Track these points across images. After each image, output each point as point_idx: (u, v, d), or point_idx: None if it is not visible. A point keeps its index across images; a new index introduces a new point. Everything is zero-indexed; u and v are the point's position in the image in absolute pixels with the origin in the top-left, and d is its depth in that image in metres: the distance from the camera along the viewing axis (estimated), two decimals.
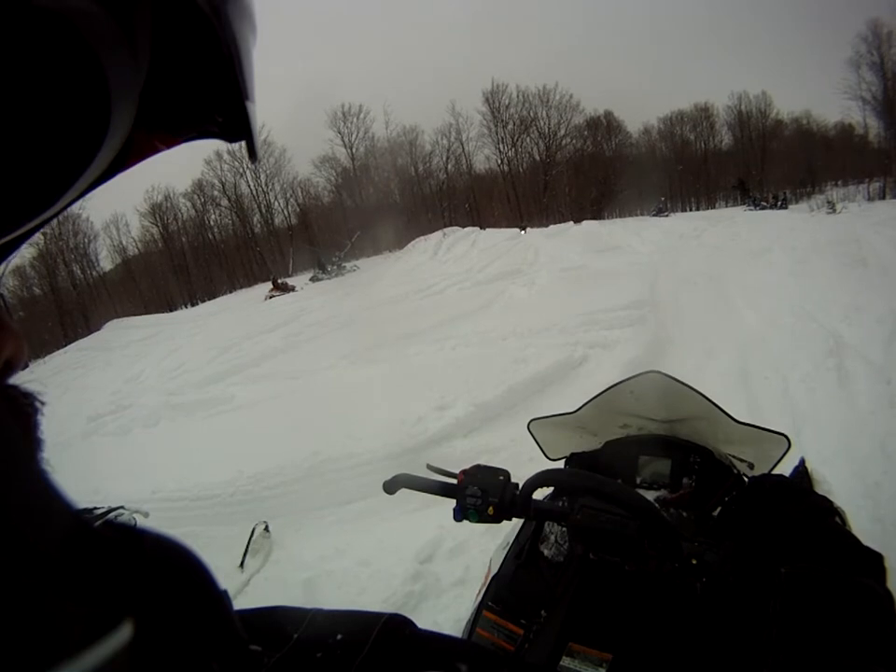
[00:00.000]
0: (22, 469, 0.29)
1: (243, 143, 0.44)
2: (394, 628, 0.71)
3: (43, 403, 0.34)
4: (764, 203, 36.98)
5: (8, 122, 0.25)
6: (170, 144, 0.43)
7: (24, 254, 43.35)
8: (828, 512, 1.12)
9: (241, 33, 0.38)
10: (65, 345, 31.60)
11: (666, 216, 38.71)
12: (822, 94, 59.67)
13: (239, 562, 4.33)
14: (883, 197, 38.90)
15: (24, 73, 0.25)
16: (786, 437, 1.62)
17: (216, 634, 0.40)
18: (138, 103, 0.32)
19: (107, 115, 0.29)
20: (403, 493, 1.48)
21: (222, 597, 0.42)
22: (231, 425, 8.01)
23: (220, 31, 0.35)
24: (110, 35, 0.28)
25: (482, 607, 1.48)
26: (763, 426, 1.66)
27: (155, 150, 0.42)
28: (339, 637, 0.68)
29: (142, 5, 0.31)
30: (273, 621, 0.72)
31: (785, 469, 1.65)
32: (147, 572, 0.35)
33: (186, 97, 0.41)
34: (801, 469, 1.72)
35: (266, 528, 4.72)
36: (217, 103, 0.41)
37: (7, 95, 0.25)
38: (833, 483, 1.81)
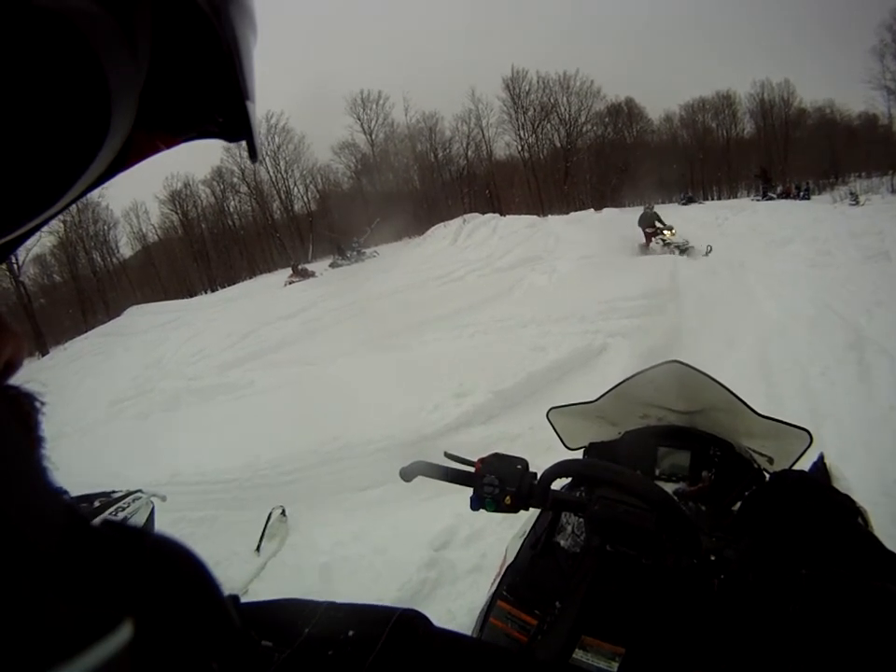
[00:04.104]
0: (23, 469, 0.29)
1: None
2: (407, 625, 0.71)
3: (43, 403, 0.34)
4: (772, 195, 36.25)
5: (9, 122, 0.25)
6: (170, 144, 0.43)
7: (45, 242, 43.74)
8: (851, 512, 1.11)
9: (241, 32, 0.38)
10: (86, 331, 31.57)
11: (699, 203, 38.32)
12: (846, 83, 59.00)
13: (255, 546, 4.37)
14: None
15: (25, 73, 0.25)
16: (808, 432, 1.61)
17: (215, 633, 0.40)
18: (138, 103, 0.33)
19: (107, 115, 0.29)
20: (420, 480, 1.48)
21: (222, 597, 0.42)
22: (249, 410, 8.05)
23: (220, 31, 0.36)
24: (110, 35, 0.29)
25: (496, 596, 1.48)
26: (784, 419, 1.64)
27: (155, 150, 0.42)
28: (350, 633, 0.68)
29: (142, 5, 0.31)
30: (284, 615, 0.72)
31: (804, 464, 1.64)
32: (146, 572, 0.35)
33: (186, 97, 0.41)
34: (820, 465, 1.70)
35: (283, 513, 4.77)
36: (217, 103, 0.42)
37: (7, 95, 0.25)
38: (853, 479, 1.79)
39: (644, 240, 20.15)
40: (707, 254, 16.75)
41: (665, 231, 19.69)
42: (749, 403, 1.66)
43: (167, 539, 0.39)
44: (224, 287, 45.51)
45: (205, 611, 0.40)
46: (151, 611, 0.34)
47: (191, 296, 43.58)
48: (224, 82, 0.39)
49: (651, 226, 20.17)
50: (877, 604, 0.80)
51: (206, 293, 45.74)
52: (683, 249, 17.80)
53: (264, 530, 4.49)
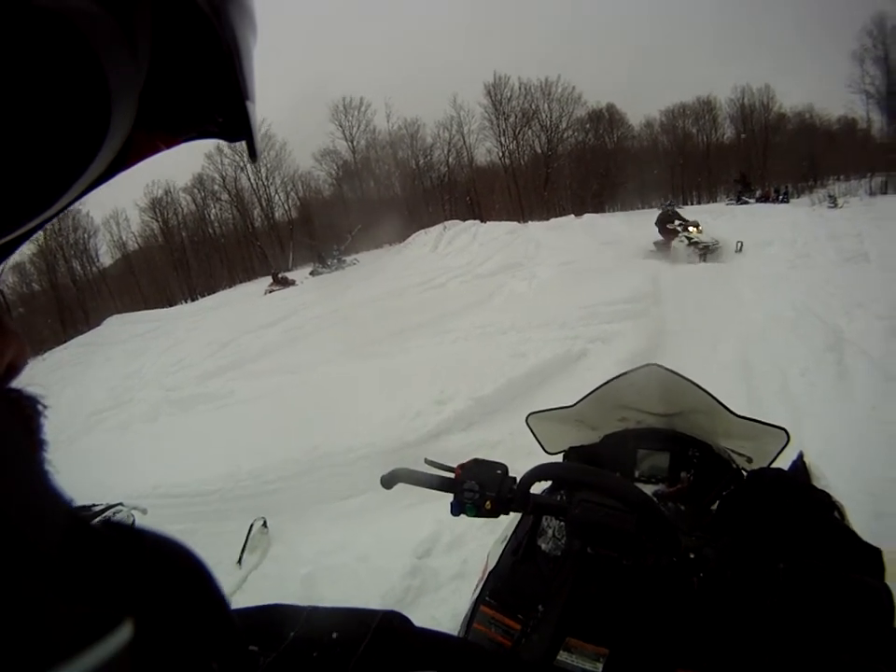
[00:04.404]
0: (24, 471, 0.29)
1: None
2: (390, 626, 0.72)
3: (45, 406, 0.35)
4: (746, 199, 36.36)
5: (9, 122, 0.25)
6: (170, 144, 0.44)
7: (24, 250, 42.73)
8: (827, 507, 1.12)
9: (241, 32, 0.38)
10: (65, 341, 31.51)
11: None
12: (826, 88, 59.81)
13: (237, 558, 4.34)
14: (885, 192, 38.87)
15: (25, 73, 0.25)
16: (785, 431, 1.63)
17: (215, 634, 0.40)
18: (138, 103, 0.33)
19: (107, 115, 0.29)
20: (402, 488, 1.48)
21: (222, 597, 0.42)
22: (230, 420, 8.04)
23: (220, 31, 0.36)
24: (110, 35, 0.29)
25: (479, 602, 1.48)
26: (761, 419, 1.65)
27: (155, 150, 0.43)
28: (335, 635, 0.68)
29: (142, 5, 0.31)
30: (269, 619, 0.72)
31: (783, 463, 1.65)
32: (146, 572, 0.35)
33: (186, 97, 0.41)
34: (799, 464, 1.72)
35: (264, 524, 4.75)
36: (217, 103, 0.42)
37: (7, 95, 0.25)
38: (833, 477, 1.80)
39: (663, 238, 18.00)
40: (738, 251, 15.12)
41: (689, 228, 17.45)
42: (726, 404, 1.68)
43: (167, 539, 0.39)
44: (204, 295, 45.52)
45: (205, 611, 0.40)
46: (151, 611, 0.34)
47: (171, 305, 43.54)
48: (224, 82, 0.39)
49: (670, 223, 18.07)
50: (854, 595, 0.81)
51: (186, 302, 45.78)
52: (713, 249, 15.80)
53: (246, 542, 4.46)
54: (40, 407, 0.34)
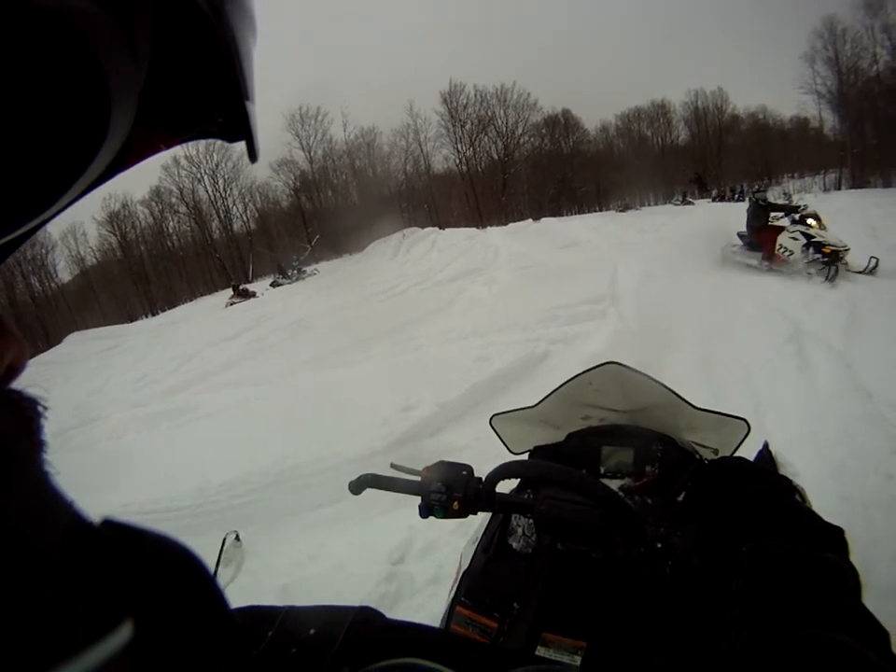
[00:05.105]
0: (24, 471, 0.29)
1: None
2: (365, 621, 0.75)
3: (45, 408, 0.35)
4: (690, 200, 36.88)
5: (9, 122, 0.26)
6: (170, 144, 0.44)
7: None
8: (787, 491, 1.15)
9: (241, 33, 0.38)
10: None
11: (635, 209, 38.70)
12: (778, 89, 60.32)
13: (212, 572, 4.27)
14: (838, 188, 39.67)
15: (24, 73, 0.25)
16: (745, 421, 1.67)
17: (216, 634, 0.40)
18: (138, 103, 0.33)
19: (107, 115, 0.30)
20: (372, 496, 1.51)
21: (223, 597, 0.43)
22: (198, 434, 7.90)
23: (220, 31, 0.36)
24: (110, 35, 0.29)
25: (454, 602, 1.49)
26: (722, 411, 1.70)
27: (155, 150, 0.43)
28: (312, 632, 0.71)
29: (142, 5, 0.32)
30: (245, 621, 0.74)
31: (749, 453, 1.69)
32: (147, 572, 0.35)
33: (186, 97, 0.41)
34: (765, 452, 1.76)
35: (237, 537, 4.64)
36: (217, 103, 0.42)
37: (7, 95, 0.25)
38: (799, 465, 1.85)
39: (756, 238, 12.29)
40: (870, 270, 9.81)
41: (809, 220, 11.61)
42: (686, 398, 1.71)
43: (167, 539, 0.39)
44: (165, 310, 44.86)
45: (206, 611, 0.40)
46: (151, 611, 0.33)
47: (132, 320, 42.86)
48: (224, 82, 0.39)
49: (768, 217, 12.67)
50: (817, 572, 0.84)
51: (148, 317, 45.02)
52: (840, 256, 10.17)
53: (219, 557, 4.35)
54: (40, 408, 0.34)
